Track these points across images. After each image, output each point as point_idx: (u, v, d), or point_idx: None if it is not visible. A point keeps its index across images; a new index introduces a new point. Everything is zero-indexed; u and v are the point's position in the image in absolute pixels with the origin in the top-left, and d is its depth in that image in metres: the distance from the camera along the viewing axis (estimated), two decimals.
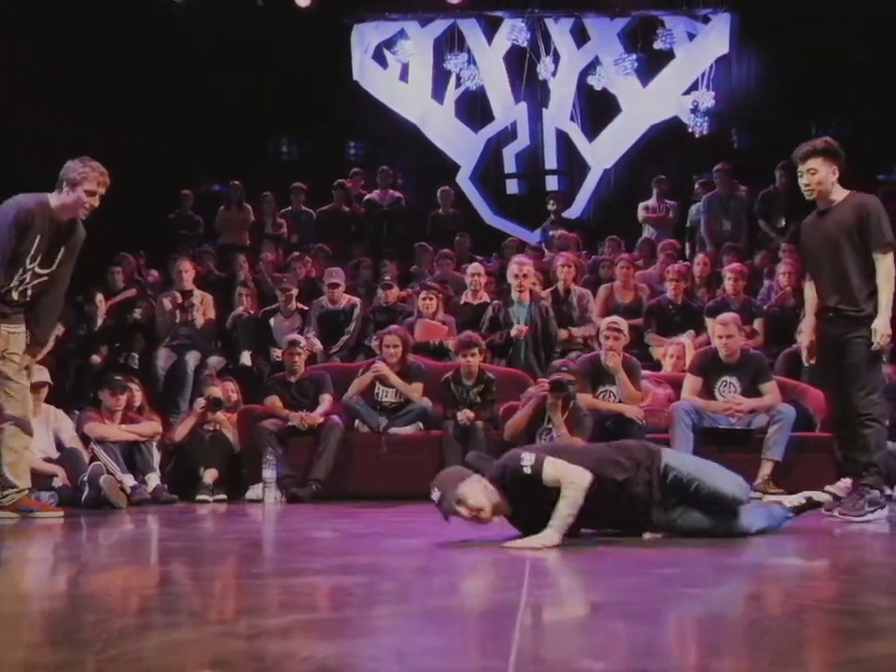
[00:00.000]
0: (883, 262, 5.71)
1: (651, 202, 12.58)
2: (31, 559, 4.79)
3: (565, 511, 4.54)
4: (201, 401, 8.27)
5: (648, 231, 12.30)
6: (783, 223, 11.77)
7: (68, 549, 5.21)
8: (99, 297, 9.94)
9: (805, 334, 6.24)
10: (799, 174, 5.91)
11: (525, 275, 8.73)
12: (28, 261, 5.85)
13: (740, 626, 2.89)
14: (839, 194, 5.89)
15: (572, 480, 4.58)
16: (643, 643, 2.64)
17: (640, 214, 12.53)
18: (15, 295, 5.93)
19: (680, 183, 12.96)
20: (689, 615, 3.10)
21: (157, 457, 7.75)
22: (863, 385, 5.75)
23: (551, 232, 12.71)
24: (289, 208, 12.73)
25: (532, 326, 8.67)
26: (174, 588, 3.85)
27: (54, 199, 5.90)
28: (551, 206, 13.30)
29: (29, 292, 5.97)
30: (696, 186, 12.60)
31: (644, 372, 8.22)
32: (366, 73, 14.56)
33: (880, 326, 5.66)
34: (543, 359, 8.59)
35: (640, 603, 3.34)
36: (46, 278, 5.97)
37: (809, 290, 6.19)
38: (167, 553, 4.95)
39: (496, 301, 9.06)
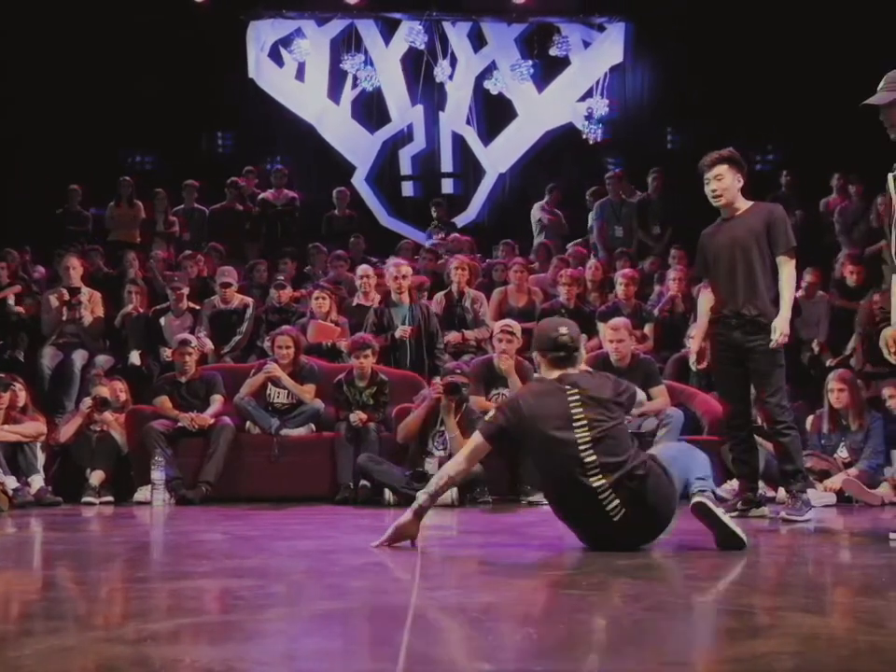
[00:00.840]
0: (787, 265, 5.93)
1: (545, 203, 12.72)
2: None
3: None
4: (87, 401, 8.11)
5: (537, 231, 12.41)
6: (658, 230, 12.02)
7: None
8: None
9: (696, 340, 6.39)
10: (706, 181, 6.03)
11: (403, 276, 8.75)
12: None
13: (627, 626, 2.93)
14: (743, 203, 6.07)
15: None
16: (531, 644, 2.66)
17: (536, 213, 12.64)
18: None
19: (575, 188, 13.09)
20: (577, 616, 3.13)
21: (41, 459, 7.59)
22: (774, 390, 5.94)
23: (434, 237, 12.80)
24: (182, 206, 12.53)
25: (415, 327, 8.67)
26: (57, 593, 3.75)
27: None
28: (434, 212, 13.33)
29: None
30: (587, 195, 12.77)
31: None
32: (262, 71, 14.42)
33: (780, 324, 5.83)
34: (426, 360, 8.61)
35: (529, 604, 3.37)
36: None
37: (704, 296, 6.31)
38: (51, 556, 4.82)
39: (377, 305, 9.04)
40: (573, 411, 4.47)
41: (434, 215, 13.34)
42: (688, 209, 9.29)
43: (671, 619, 3.10)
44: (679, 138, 14.28)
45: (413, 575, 3.82)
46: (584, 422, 4.45)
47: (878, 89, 4.85)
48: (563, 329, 4.62)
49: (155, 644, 2.61)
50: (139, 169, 13.89)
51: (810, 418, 7.79)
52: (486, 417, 4.68)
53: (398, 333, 8.58)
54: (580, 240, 12.32)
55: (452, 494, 7.08)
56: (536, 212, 12.76)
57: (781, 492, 6.81)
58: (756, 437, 6.46)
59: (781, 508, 6.09)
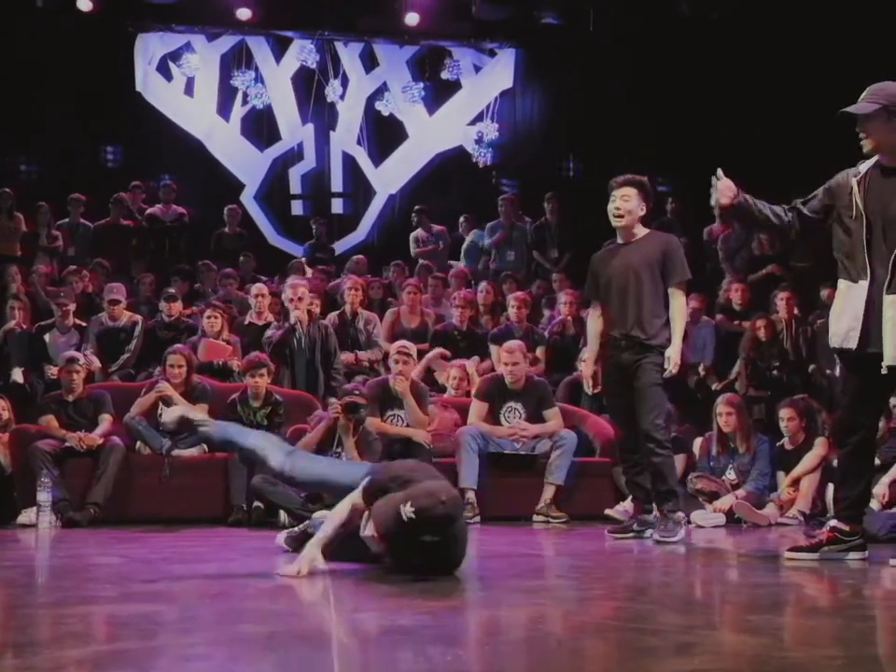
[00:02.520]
0: (679, 297, 6.08)
1: (419, 233, 12.79)
2: None
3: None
4: None
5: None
6: (556, 254, 12.20)
7: None
8: None
9: (588, 364, 6.44)
10: (612, 198, 6.08)
11: (300, 298, 8.67)
12: None
13: (553, 647, 2.94)
14: (641, 230, 6.17)
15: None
16: (464, 668, 2.65)
17: (412, 249, 12.73)
18: None
19: (465, 210, 13.18)
20: (501, 638, 3.14)
21: None
22: (652, 407, 5.98)
23: (317, 254, 12.81)
24: (66, 220, 12.22)
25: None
26: None
27: None
28: (315, 228, 13.30)
29: None
30: (461, 220, 12.89)
31: (430, 397, 8.32)
32: (150, 84, 14.15)
33: (673, 354, 5.93)
34: (322, 380, 8.57)
35: (449, 626, 3.36)
36: None
37: (593, 319, 6.37)
38: None
39: (275, 324, 8.95)
40: None
41: (316, 231, 13.30)
42: (584, 233, 9.46)
43: (594, 638, 3.13)
44: (570, 164, 14.49)
45: (326, 597, 3.79)
46: None
47: (860, 99, 4.77)
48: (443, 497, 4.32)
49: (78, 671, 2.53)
50: (24, 179, 13.48)
51: (698, 440, 7.95)
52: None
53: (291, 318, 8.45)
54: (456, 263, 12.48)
55: None
56: (412, 247, 12.81)
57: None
58: None
59: (654, 529, 6.11)
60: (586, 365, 6.55)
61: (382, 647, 2.97)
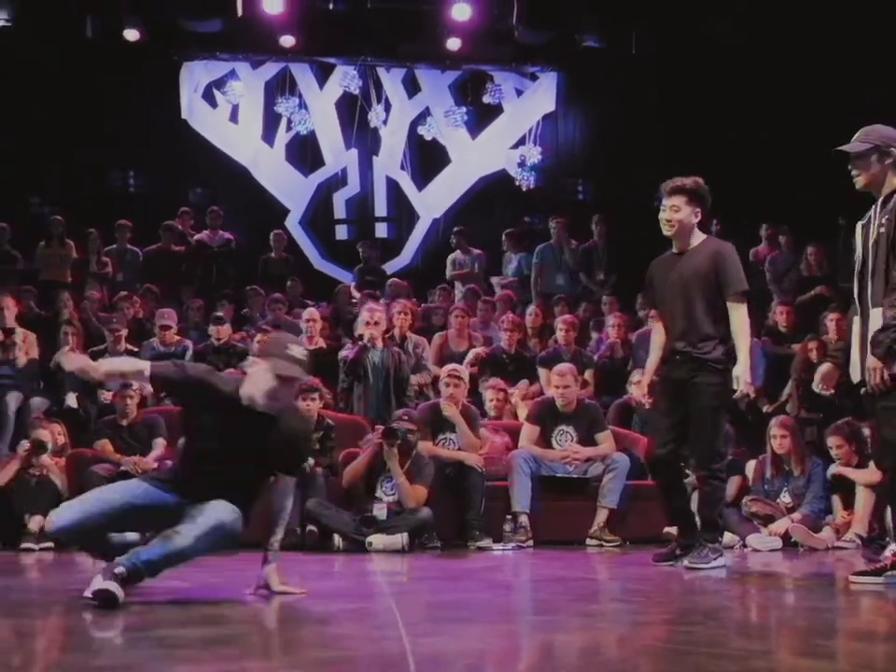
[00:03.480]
0: (737, 310, 5.78)
1: (457, 255, 12.83)
2: None
3: None
4: (25, 444, 7.90)
5: (458, 287, 12.50)
6: (602, 276, 12.20)
7: None
8: None
9: (647, 373, 6.26)
10: (662, 208, 5.90)
11: (376, 322, 8.71)
12: None
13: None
14: (697, 238, 5.93)
15: None
16: None
17: (448, 271, 12.77)
18: None
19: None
20: (576, 663, 3.14)
21: None
22: (708, 433, 5.80)
23: (368, 278, 12.87)
24: (114, 246, 12.37)
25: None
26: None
27: None
28: (362, 254, 13.38)
29: None
30: (504, 237, 12.91)
31: (481, 420, 8.35)
32: (195, 112, 14.33)
33: (742, 373, 5.69)
34: (394, 405, 8.58)
35: (524, 650, 3.37)
36: None
37: (656, 331, 6.21)
38: (10, 605, 4.67)
39: (347, 349, 8.98)
40: None
41: (364, 255, 13.37)
42: (631, 256, 9.44)
43: (669, 662, 3.13)
44: (613, 187, 14.48)
45: (395, 621, 3.81)
46: None
47: (853, 139, 5.02)
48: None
49: None
50: (70, 205, 13.64)
51: (752, 463, 7.91)
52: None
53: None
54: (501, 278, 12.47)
55: (403, 539, 7.07)
56: (449, 269, 12.84)
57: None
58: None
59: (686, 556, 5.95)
60: (645, 374, 6.33)
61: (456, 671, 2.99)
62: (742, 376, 5.71)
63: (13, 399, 8.93)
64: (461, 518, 7.55)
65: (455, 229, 13.22)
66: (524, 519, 7.50)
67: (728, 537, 7.12)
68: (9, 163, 12.79)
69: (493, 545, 7.37)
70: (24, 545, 7.38)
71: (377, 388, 8.62)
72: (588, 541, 7.57)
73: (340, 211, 14.64)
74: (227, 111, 14.46)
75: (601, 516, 7.63)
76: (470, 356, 9.43)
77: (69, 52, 13.33)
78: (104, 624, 3.97)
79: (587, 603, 4.67)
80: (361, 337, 8.65)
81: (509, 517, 7.54)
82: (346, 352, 8.74)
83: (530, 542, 7.43)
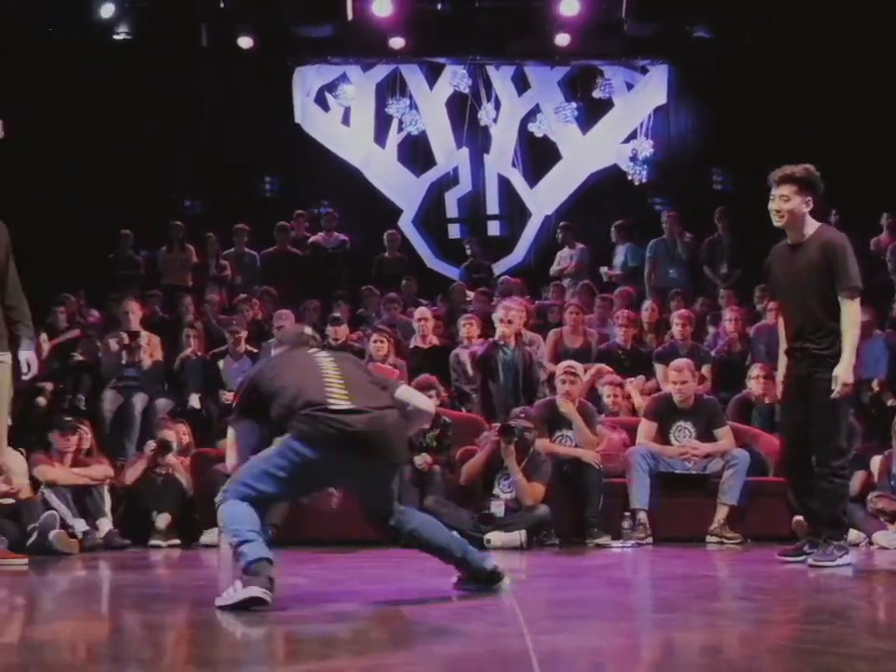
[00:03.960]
0: (848, 306, 5.61)
1: (564, 250, 12.76)
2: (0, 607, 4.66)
3: None
4: (151, 444, 8.13)
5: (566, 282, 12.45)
6: (726, 270, 12.02)
7: (29, 597, 5.05)
8: (43, 336, 9.71)
9: (779, 369, 6.12)
10: (771, 197, 5.74)
11: (510, 321, 8.73)
12: None
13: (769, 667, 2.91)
14: (810, 228, 5.75)
15: None
16: None
17: (553, 267, 12.73)
18: None
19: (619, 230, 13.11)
20: (700, 661, 3.12)
21: (108, 502, 7.59)
22: (828, 430, 5.66)
23: (475, 275, 12.90)
24: (232, 249, 12.64)
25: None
26: (151, 636, 3.77)
27: None
28: (468, 250, 13.40)
29: None
30: (612, 229, 12.82)
31: (598, 417, 8.32)
32: (308, 116, 14.53)
33: (841, 373, 5.55)
34: (523, 403, 8.60)
35: (644, 648, 3.36)
36: None
37: (781, 324, 6.09)
38: (140, 600, 4.81)
39: (475, 347, 9.03)
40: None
41: (469, 252, 13.41)
42: (746, 248, 9.30)
43: (796, 662, 3.08)
44: (726, 179, 14.25)
45: (516, 618, 3.82)
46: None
47: None
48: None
49: None
50: (189, 213, 13.99)
51: (877, 458, 7.70)
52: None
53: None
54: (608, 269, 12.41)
55: (521, 536, 7.09)
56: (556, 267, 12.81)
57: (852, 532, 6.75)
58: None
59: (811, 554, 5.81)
60: (778, 373, 6.19)
61: (581, 669, 2.99)
62: (841, 376, 5.55)
63: (139, 401, 9.20)
64: (579, 515, 7.54)
65: (561, 224, 13.18)
66: (642, 516, 7.45)
67: (853, 534, 6.93)
68: (128, 172, 13.13)
69: (611, 542, 7.34)
70: (152, 542, 7.60)
71: (507, 386, 8.65)
72: (708, 539, 7.47)
73: (452, 210, 14.70)
74: (339, 114, 14.63)
75: (721, 513, 7.53)
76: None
77: (185, 62, 13.65)
78: (230, 619, 4.07)
79: (709, 601, 4.62)
80: (490, 334, 8.73)
81: (627, 514, 7.50)
82: (476, 347, 8.80)
83: (649, 539, 7.38)
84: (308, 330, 5.03)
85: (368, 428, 4.23)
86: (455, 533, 4.72)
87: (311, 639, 3.48)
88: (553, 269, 12.79)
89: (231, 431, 4.67)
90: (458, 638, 3.42)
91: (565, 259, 12.80)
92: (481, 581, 4.56)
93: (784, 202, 5.70)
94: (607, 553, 7.08)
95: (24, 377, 6.07)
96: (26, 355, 5.98)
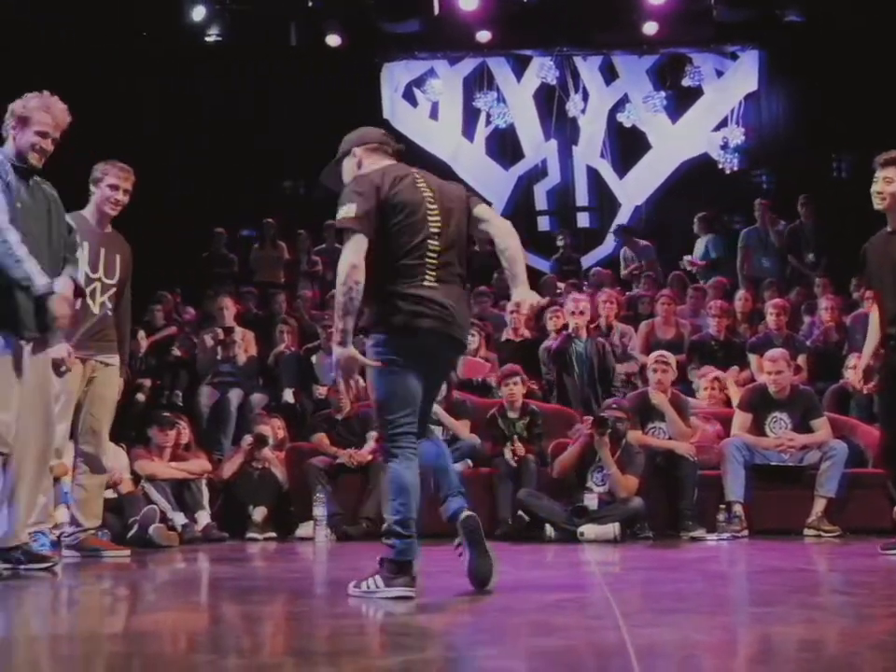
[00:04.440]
0: None
1: (625, 251, 12.68)
2: (96, 598, 4.78)
3: None
4: (248, 438, 8.26)
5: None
6: (812, 258, 11.81)
7: (131, 588, 5.16)
8: (141, 333, 9.93)
9: (864, 356, 6.08)
10: (874, 179, 5.71)
11: (581, 312, 8.72)
12: (90, 270, 5.95)
13: (831, 665, 2.86)
14: None
15: None
16: None
17: (621, 270, 12.63)
18: (95, 308, 6.00)
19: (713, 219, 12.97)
20: (801, 656, 3.08)
21: (206, 495, 7.74)
22: None
23: (565, 267, 12.85)
24: (323, 245, 12.77)
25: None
26: (262, 627, 3.83)
27: (87, 208, 6.14)
28: (560, 242, 13.35)
29: (108, 304, 6.09)
30: (696, 220, 12.65)
31: (694, 401, 8.27)
32: (396, 111, 14.63)
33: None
34: (600, 395, 8.58)
35: (743, 643, 3.32)
36: (115, 289, 6.09)
37: (873, 312, 6.04)
38: (239, 591, 4.89)
39: (550, 340, 9.02)
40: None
41: (561, 244, 13.36)
42: (841, 236, 9.11)
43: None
44: (820, 166, 13.98)
45: (612, 611, 3.81)
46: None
47: None
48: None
49: None
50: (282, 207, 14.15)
51: None
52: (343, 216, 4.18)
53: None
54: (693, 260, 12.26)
55: (615, 529, 7.06)
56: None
57: None
58: None
59: None
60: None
61: (678, 663, 2.97)
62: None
63: (234, 396, 9.34)
64: (673, 508, 7.48)
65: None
66: (738, 508, 7.36)
67: None
68: (224, 169, 13.35)
69: (706, 535, 7.27)
70: (249, 535, 7.73)
71: (582, 378, 8.63)
72: (805, 531, 7.35)
73: (541, 202, 14.69)
74: (427, 109, 14.71)
75: (819, 506, 7.40)
76: None
77: (275, 62, 13.82)
78: (326, 611, 4.13)
79: (808, 595, 4.54)
80: (566, 327, 8.67)
81: (722, 507, 7.41)
82: (550, 342, 8.79)
83: (745, 532, 7.29)
84: None
85: None
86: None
87: (406, 632, 3.51)
88: (623, 273, 12.70)
89: None
90: (553, 631, 3.41)
91: (629, 259, 12.71)
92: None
93: (887, 184, 5.67)
94: (702, 546, 7.00)
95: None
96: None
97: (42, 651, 3.26)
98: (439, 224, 4.20)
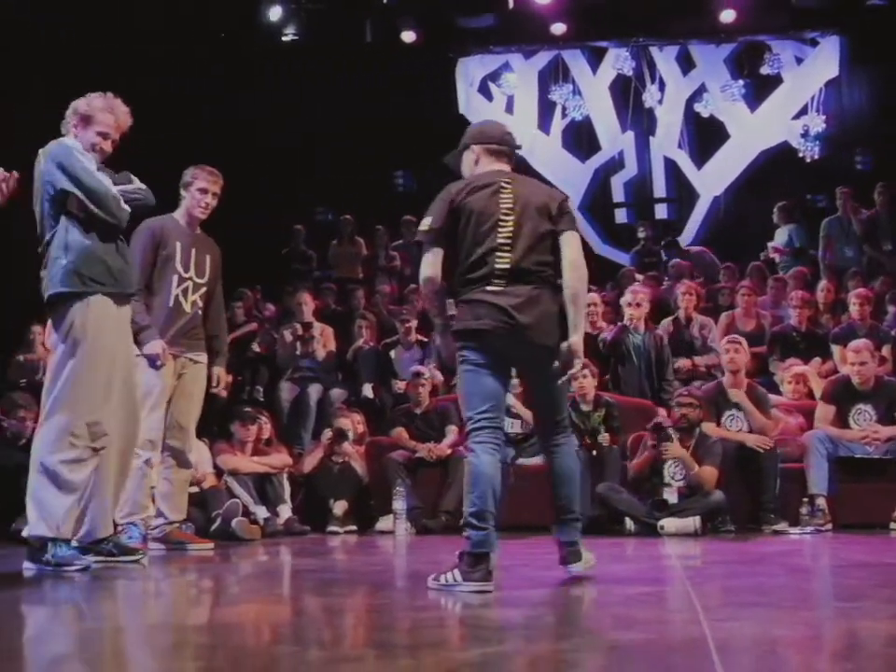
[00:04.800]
0: None
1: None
2: (181, 590, 4.86)
3: None
4: (328, 433, 8.34)
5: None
6: (890, 246, 11.58)
7: (215, 580, 5.24)
8: None
9: None
10: None
11: (638, 304, 8.69)
12: (182, 269, 6.06)
13: None
14: None
15: None
16: None
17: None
18: (187, 307, 6.12)
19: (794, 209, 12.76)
20: (889, 651, 3.04)
21: (287, 489, 7.83)
22: None
23: (646, 259, 12.75)
24: (401, 241, 12.83)
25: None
26: (346, 620, 3.88)
27: (178, 211, 6.26)
28: (640, 233, 13.25)
29: (199, 303, 6.20)
30: (775, 210, 12.47)
31: (776, 398, 8.17)
32: (472, 106, 14.63)
33: None
34: (656, 388, 8.55)
35: (828, 638, 3.28)
36: (205, 288, 6.20)
37: None
38: (320, 584, 4.94)
39: (606, 333, 8.99)
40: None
41: (642, 235, 13.25)
42: None
43: None
44: None
45: (692, 605, 3.79)
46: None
47: None
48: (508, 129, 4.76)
49: None
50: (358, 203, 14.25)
51: None
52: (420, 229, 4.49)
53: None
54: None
55: (695, 523, 7.01)
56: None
57: None
58: None
59: None
60: None
61: (759, 657, 2.95)
62: None
63: (314, 391, 9.45)
64: (755, 501, 7.41)
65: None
66: (821, 502, 7.27)
67: None
68: (301, 166, 13.48)
69: (789, 529, 7.19)
70: (330, 528, 7.81)
71: (639, 370, 8.59)
72: (892, 525, 7.24)
73: (619, 194, 14.59)
74: (503, 103, 14.70)
75: None
76: None
77: (351, 59, 13.91)
78: (406, 604, 4.16)
79: (894, 590, 4.48)
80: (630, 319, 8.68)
81: (805, 500, 7.32)
82: (606, 334, 8.76)
83: (829, 526, 7.19)
84: None
85: None
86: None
87: (485, 625, 3.52)
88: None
89: None
90: (633, 625, 3.40)
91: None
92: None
93: None
94: (784, 539, 6.93)
95: (213, 390, 6.48)
96: (218, 370, 6.39)
97: (130, 642, 3.35)
98: (510, 234, 4.35)
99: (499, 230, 4.35)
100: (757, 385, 8.10)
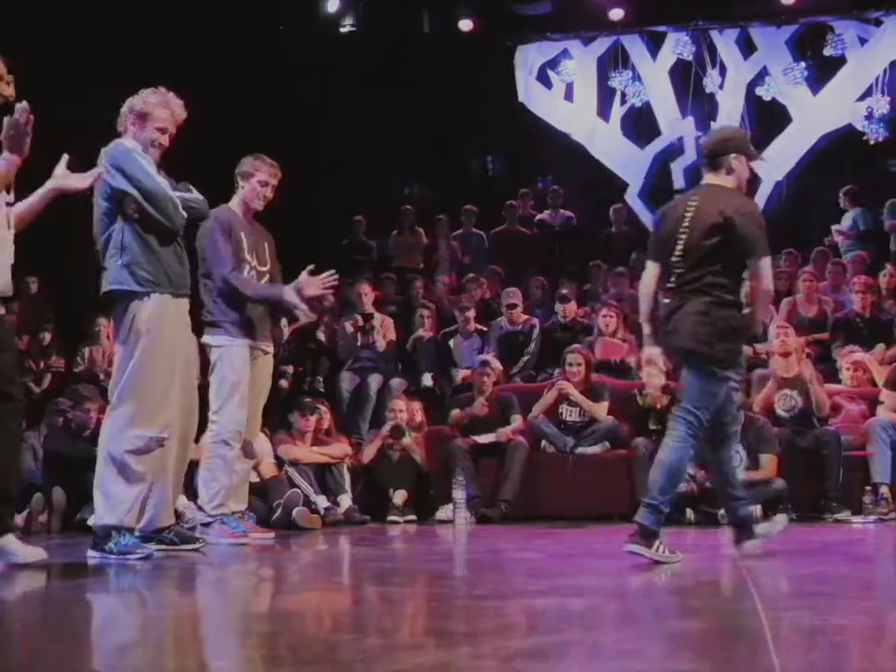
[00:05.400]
0: None
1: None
2: (243, 579, 4.92)
3: None
4: (387, 427, 8.37)
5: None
6: None
7: (276, 569, 5.31)
8: (283, 321, 10.15)
9: None
10: None
11: None
12: (249, 257, 6.14)
13: None
14: None
15: None
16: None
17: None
18: None
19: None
20: None
21: (347, 479, 7.89)
22: None
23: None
24: (461, 230, 12.85)
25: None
26: (406, 609, 3.92)
27: (234, 201, 6.26)
28: None
29: None
30: (841, 195, 12.26)
31: (836, 387, 8.09)
32: (531, 94, 14.56)
33: None
34: None
35: (884, 628, 3.26)
36: (267, 276, 6.27)
37: None
38: (380, 573, 4.99)
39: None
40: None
41: None
42: None
43: None
44: None
45: (750, 594, 3.78)
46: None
47: None
48: None
49: (525, 661, 2.69)
50: (417, 197, 14.31)
51: None
52: None
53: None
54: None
55: (756, 511, 6.94)
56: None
57: None
58: None
59: None
60: None
61: (817, 647, 2.93)
62: None
63: (374, 381, 9.50)
64: (817, 489, 7.34)
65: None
66: (885, 490, 7.19)
67: None
68: (361, 157, 13.54)
69: (851, 518, 7.11)
70: (390, 518, 7.84)
71: None
72: None
73: (679, 181, 14.40)
74: (562, 90, 14.59)
75: None
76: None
77: (409, 49, 13.94)
78: (465, 593, 4.20)
79: None
80: None
81: (868, 488, 7.23)
82: None
83: (892, 515, 7.11)
84: None
85: None
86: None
87: (544, 613, 3.54)
88: None
89: None
90: (691, 614, 3.41)
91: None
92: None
93: None
94: (846, 528, 6.86)
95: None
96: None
97: (192, 629, 3.41)
98: (682, 248, 4.80)
99: (677, 244, 4.91)
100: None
